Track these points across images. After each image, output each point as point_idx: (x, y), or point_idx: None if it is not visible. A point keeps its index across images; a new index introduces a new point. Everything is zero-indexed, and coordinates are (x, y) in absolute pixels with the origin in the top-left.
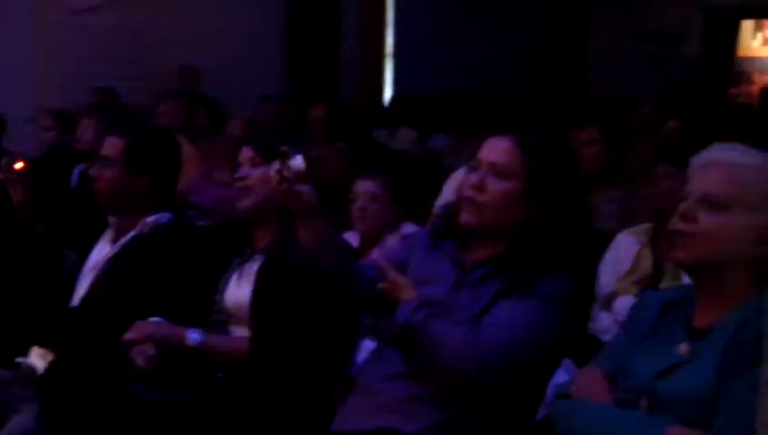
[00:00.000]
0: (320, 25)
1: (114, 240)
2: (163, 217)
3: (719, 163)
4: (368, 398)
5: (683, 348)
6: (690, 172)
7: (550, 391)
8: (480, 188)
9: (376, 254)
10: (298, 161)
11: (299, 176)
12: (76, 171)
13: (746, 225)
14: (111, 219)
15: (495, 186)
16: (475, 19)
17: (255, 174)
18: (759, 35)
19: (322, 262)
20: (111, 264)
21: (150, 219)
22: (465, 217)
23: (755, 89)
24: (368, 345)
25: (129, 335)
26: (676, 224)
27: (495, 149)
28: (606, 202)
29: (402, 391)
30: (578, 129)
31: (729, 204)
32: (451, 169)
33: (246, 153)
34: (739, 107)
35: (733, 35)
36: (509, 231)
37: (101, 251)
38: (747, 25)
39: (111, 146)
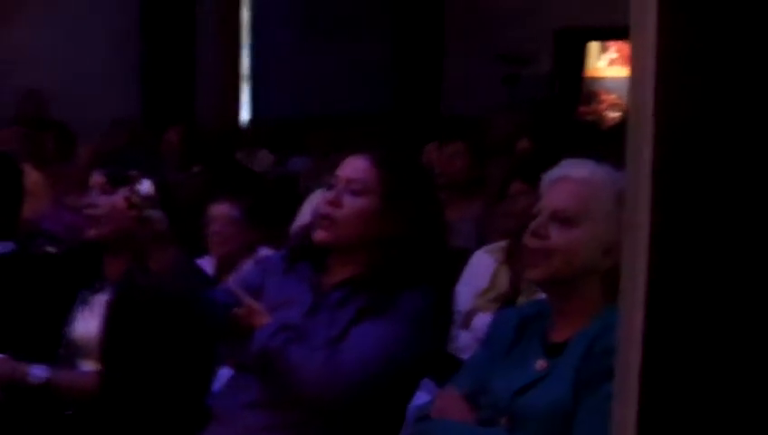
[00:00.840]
0: (174, 48)
1: None
2: (6, 246)
3: (568, 179)
4: (225, 427)
5: (540, 364)
6: (542, 189)
7: (410, 412)
8: (336, 204)
9: (232, 279)
10: (146, 186)
11: (148, 201)
12: None
13: (594, 238)
14: None
15: (352, 202)
16: (331, 41)
17: (105, 201)
18: (605, 56)
19: (174, 289)
20: None
21: None
22: (320, 233)
23: (603, 107)
24: (224, 373)
25: None
26: (528, 241)
27: (352, 167)
28: (463, 220)
29: (259, 419)
30: (441, 143)
31: (578, 218)
32: (309, 192)
33: (97, 179)
34: (587, 125)
35: (581, 56)
36: (366, 249)
37: None
38: (594, 47)
39: None
